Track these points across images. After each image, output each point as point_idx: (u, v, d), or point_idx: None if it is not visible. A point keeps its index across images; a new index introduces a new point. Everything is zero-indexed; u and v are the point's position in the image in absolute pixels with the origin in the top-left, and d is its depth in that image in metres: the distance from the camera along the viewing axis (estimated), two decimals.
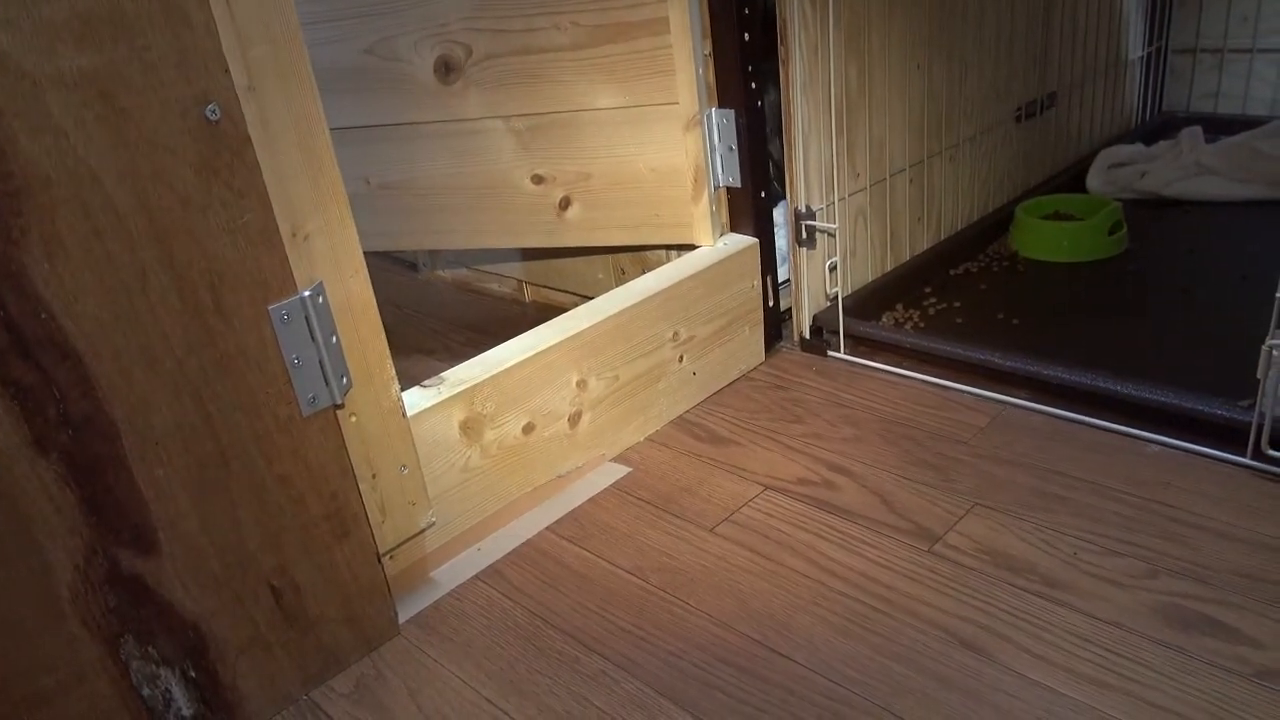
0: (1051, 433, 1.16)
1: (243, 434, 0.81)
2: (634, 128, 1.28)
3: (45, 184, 0.67)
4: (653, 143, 1.28)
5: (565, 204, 1.28)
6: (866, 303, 1.46)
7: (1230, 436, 1.05)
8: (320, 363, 0.85)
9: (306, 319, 0.83)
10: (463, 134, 1.27)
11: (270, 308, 0.81)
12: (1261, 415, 1.02)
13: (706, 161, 1.29)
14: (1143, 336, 1.35)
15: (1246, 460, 1.04)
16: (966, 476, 1.10)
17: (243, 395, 0.81)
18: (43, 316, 0.69)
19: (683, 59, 1.23)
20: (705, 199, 1.30)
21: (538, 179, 1.28)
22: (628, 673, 0.89)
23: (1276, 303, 0.98)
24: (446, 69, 1.18)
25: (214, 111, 0.74)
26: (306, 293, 0.83)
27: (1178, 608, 0.88)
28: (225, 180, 0.76)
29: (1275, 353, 1.00)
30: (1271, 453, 1.02)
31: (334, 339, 0.86)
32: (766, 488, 1.13)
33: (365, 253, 0.91)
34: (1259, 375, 1.03)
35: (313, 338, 0.84)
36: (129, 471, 0.76)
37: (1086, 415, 1.17)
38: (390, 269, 1.98)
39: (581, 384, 1.15)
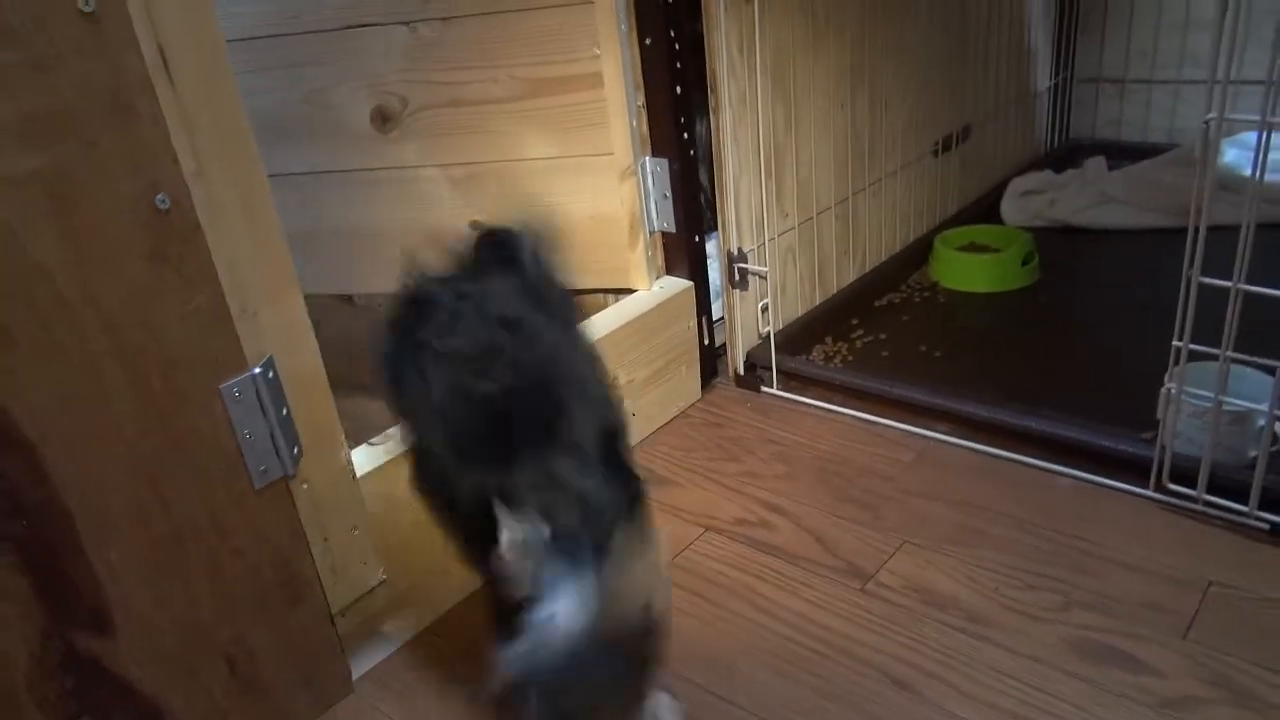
0: (972, 467, 1.23)
1: (196, 511, 0.83)
2: (570, 177, 1.31)
3: None
4: (589, 191, 1.31)
5: None
6: (796, 338, 1.52)
7: (1135, 470, 1.13)
8: (271, 435, 0.87)
9: (257, 394, 0.85)
10: (403, 181, 1.29)
11: (221, 386, 0.82)
12: (1162, 451, 1.10)
13: (642, 209, 1.33)
14: (1054, 368, 1.43)
15: (1150, 493, 1.12)
16: (895, 513, 1.16)
17: (196, 473, 0.82)
18: None
19: (616, 111, 1.26)
20: (641, 245, 1.34)
21: (476, 225, 1.30)
22: None
23: (1173, 350, 1.05)
24: (383, 119, 1.20)
25: (163, 201, 0.75)
26: (257, 369, 0.84)
27: (1089, 640, 0.95)
28: (176, 267, 0.77)
29: (1172, 393, 1.08)
30: (1172, 486, 1.10)
31: (284, 410, 0.88)
32: (706, 529, 1.18)
33: (308, 295, 0.92)
34: (1158, 415, 1.11)
35: (264, 412, 0.85)
36: (84, 555, 0.76)
37: (1004, 450, 1.24)
38: (326, 301, 1.97)
39: None
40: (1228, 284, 0.97)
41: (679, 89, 1.29)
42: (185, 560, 0.83)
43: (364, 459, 1.03)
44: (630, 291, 1.37)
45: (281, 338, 0.89)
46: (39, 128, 0.68)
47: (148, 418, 0.78)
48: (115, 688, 0.81)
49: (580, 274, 1.35)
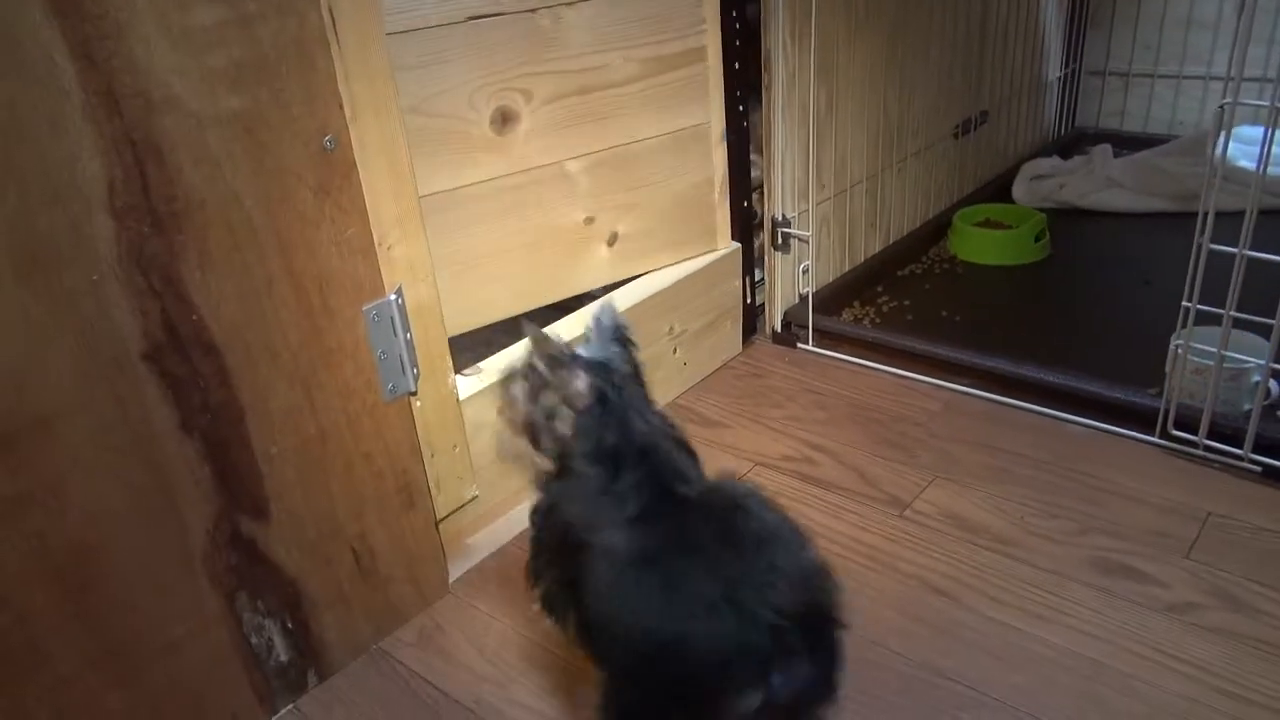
0: (995, 416, 1.37)
1: (338, 417, 0.94)
2: (674, 152, 1.38)
3: (201, 206, 0.79)
4: (691, 162, 1.40)
5: (613, 240, 1.34)
6: (827, 301, 1.64)
7: (1142, 419, 1.27)
8: (400, 356, 0.98)
9: (391, 318, 0.96)
10: (517, 187, 1.22)
11: (364, 308, 0.94)
12: (1168, 402, 1.23)
13: (726, 175, 1.44)
14: (1065, 333, 1.57)
15: (1155, 439, 1.25)
16: (926, 453, 1.29)
17: (340, 384, 0.93)
18: (194, 318, 0.81)
19: (715, 83, 1.37)
20: (726, 209, 1.45)
21: (589, 220, 1.31)
22: None
23: (1182, 310, 1.19)
24: (504, 119, 1.16)
25: (331, 142, 0.87)
26: (392, 295, 0.96)
27: (1103, 558, 1.08)
28: (335, 200, 0.88)
29: (1180, 350, 1.22)
30: (1175, 433, 1.23)
31: (409, 335, 1.00)
32: (757, 464, 1.31)
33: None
34: (1167, 368, 1.24)
35: (395, 333, 0.97)
36: (250, 450, 0.88)
37: (1022, 401, 1.37)
38: None
39: None
40: (1234, 250, 1.11)
41: (737, 65, 1.40)
42: (327, 460, 0.94)
43: (463, 386, 1.14)
44: (708, 253, 1.48)
45: (409, 272, 1.00)
46: (243, 74, 0.79)
47: (306, 331, 0.89)
48: (267, 568, 0.92)
49: (681, 245, 1.44)
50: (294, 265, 0.87)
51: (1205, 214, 1.12)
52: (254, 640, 0.93)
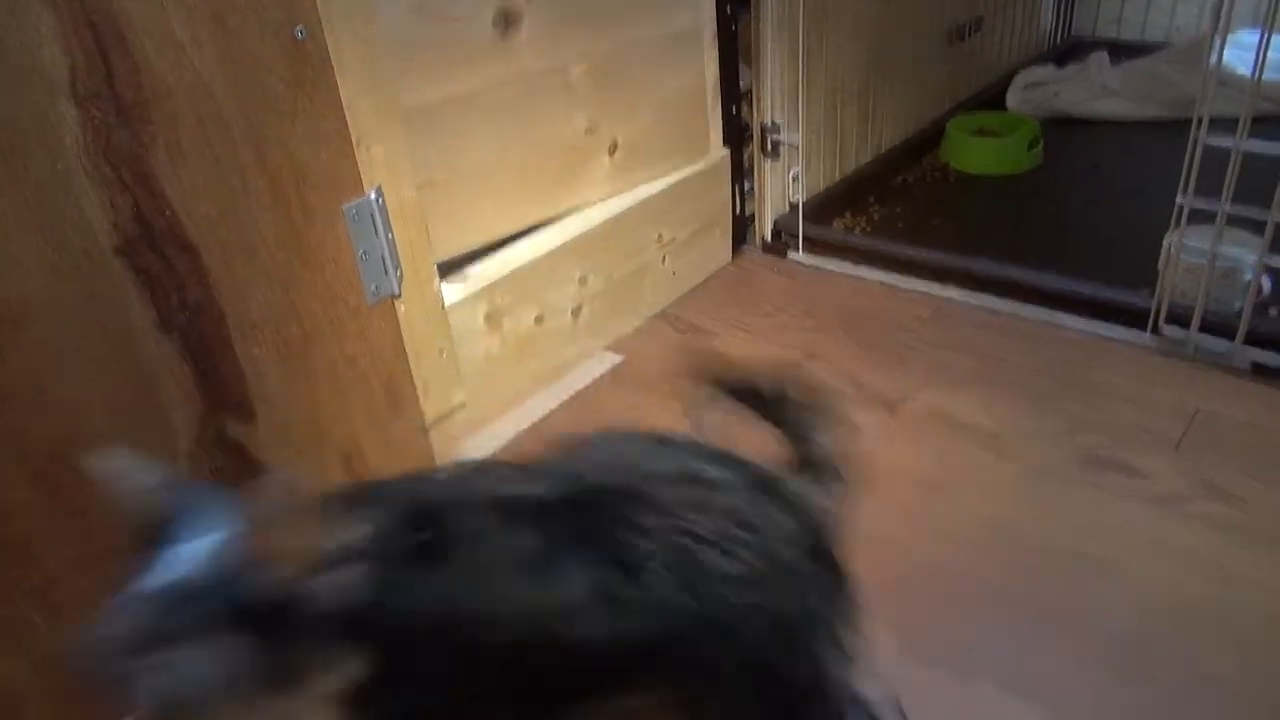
0: (985, 322, 1.36)
1: (320, 320, 0.93)
2: (672, 53, 1.34)
3: (169, 94, 0.76)
4: (686, 64, 1.36)
5: (613, 149, 1.29)
6: (818, 211, 1.62)
7: (1133, 318, 1.26)
8: (382, 257, 0.96)
9: (371, 217, 0.94)
10: (520, 95, 1.17)
11: (343, 206, 0.91)
12: (1160, 300, 1.23)
13: (719, 79, 1.40)
14: (1058, 238, 1.55)
15: (1147, 338, 1.25)
16: (916, 359, 1.29)
17: (320, 285, 0.92)
18: (167, 213, 0.79)
19: None
20: (718, 114, 1.42)
21: (590, 129, 1.26)
22: None
23: (1176, 208, 1.17)
24: (506, 21, 1.11)
25: (301, 32, 0.83)
26: (372, 194, 0.94)
27: (1092, 455, 1.09)
28: (309, 93, 0.86)
29: (1173, 248, 1.20)
30: (1166, 331, 1.23)
31: (391, 236, 0.98)
32: None
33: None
34: (1160, 267, 1.23)
35: (376, 234, 0.95)
36: (232, 351, 0.87)
37: (1014, 304, 1.36)
38: None
39: (583, 280, 1.29)
40: (1229, 143, 1.09)
41: None
42: (310, 363, 0.93)
43: (448, 292, 1.13)
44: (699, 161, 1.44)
45: (388, 173, 0.98)
46: None
47: (284, 229, 0.87)
48: (254, 472, 0.92)
49: (673, 157, 1.40)
50: (269, 160, 0.84)
51: (1201, 111, 1.10)
52: None
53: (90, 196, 0.74)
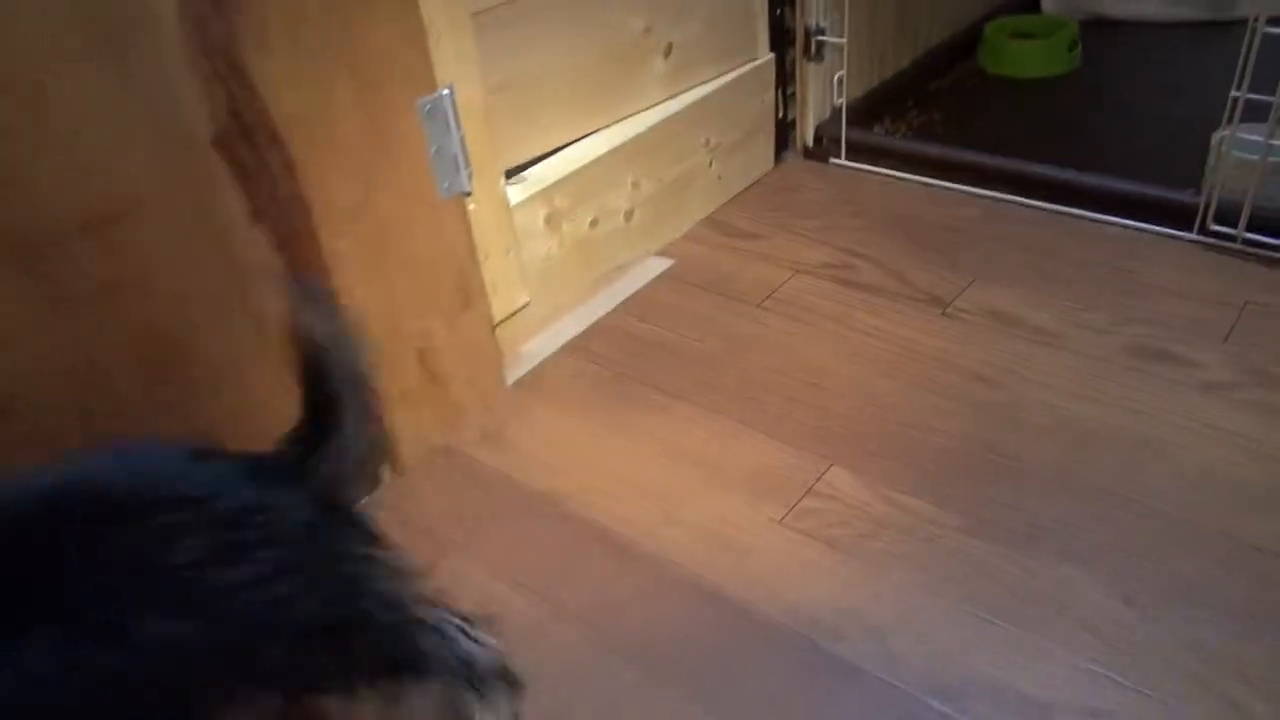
0: (1033, 220, 1.37)
1: (398, 213, 0.95)
2: None
3: None
4: None
5: (668, 51, 1.28)
6: (858, 117, 1.62)
7: (1181, 217, 1.28)
8: (454, 154, 0.98)
9: (445, 114, 0.95)
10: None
11: (419, 101, 0.93)
12: (1209, 197, 1.24)
13: None
14: (1101, 139, 1.56)
15: (1194, 236, 1.27)
16: (965, 257, 1.31)
17: (398, 179, 0.94)
18: (258, 106, 0.80)
19: None
20: (765, 13, 1.41)
21: (647, 30, 1.25)
22: (703, 407, 1.09)
23: (1229, 101, 1.18)
24: None
25: None
26: (444, 91, 0.95)
27: (1142, 345, 1.12)
28: None
29: (1224, 144, 1.21)
30: (1214, 228, 1.25)
31: (461, 134, 0.99)
32: (796, 271, 1.32)
33: None
34: (1210, 163, 1.24)
35: (449, 130, 0.97)
36: (318, 243, 0.89)
37: (1060, 205, 1.38)
38: None
39: (636, 184, 1.30)
40: None
41: None
42: (388, 257, 0.96)
43: (511, 193, 1.14)
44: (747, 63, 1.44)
45: (457, 71, 0.99)
46: None
47: (364, 124, 0.89)
48: None
49: (729, 56, 1.40)
50: (349, 54, 0.85)
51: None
52: None
53: (189, 88, 0.75)
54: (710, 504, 0.98)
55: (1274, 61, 1.11)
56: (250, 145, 0.81)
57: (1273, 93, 1.13)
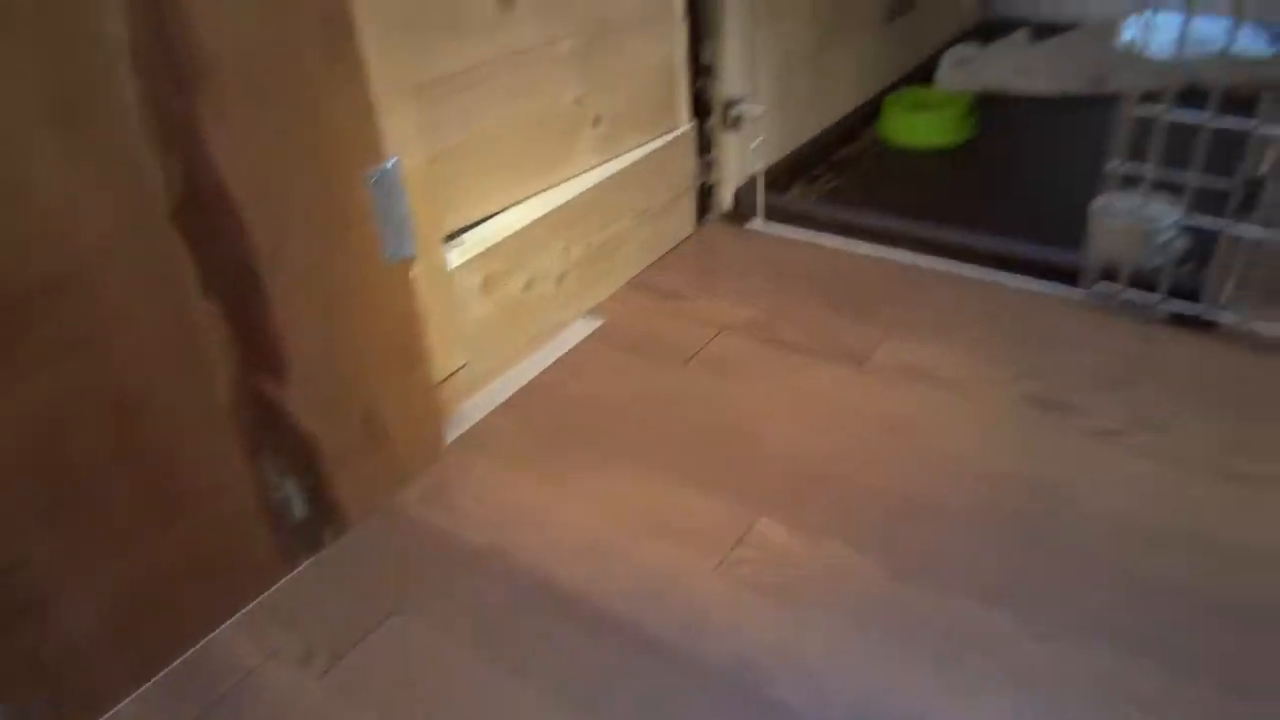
0: (939, 280, 1.48)
1: (349, 279, 0.98)
2: (646, 29, 1.41)
3: (218, 63, 0.80)
4: (659, 37, 1.43)
5: (597, 121, 1.36)
6: (772, 183, 1.71)
7: (1069, 276, 1.39)
8: (401, 221, 1.02)
9: (391, 184, 0.99)
10: (517, 68, 1.22)
11: (368, 171, 0.97)
12: (1090, 257, 1.36)
13: (686, 53, 1.48)
14: (997, 204, 1.68)
15: (1082, 294, 1.38)
16: (879, 315, 1.40)
17: (347, 247, 0.97)
18: (214, 178, 0.83)
19: None
20: (686, 86, 1.49)
21: (579, 100, 1.32)
22: (635, 462, 1.14)
23: (1105, 173, 1.30)
24: None
25: (332, 4, 0.88)
26: (392, 161, 0.99)
27: (1041, 396, 1.21)
28: (340, 62, 0.90)
29: (1101, 212, 1.34)
30: (1097, 286, 1.36)
31: (407, 202, 1.03)
32: (720, 329, 1.39)
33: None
34: (1090, 228, 1.36)
35: (395, 199, 1.00)
36: (269, 309, 0.91)
37: (962, 265, 1.48)
38: None
39: (567, 248, 1.36)
40: (1157, 109, 1.22)
41: None
42: (336, 323, 0.98)
43: (450, 259, 1.18)
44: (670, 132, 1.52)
45: (400, 143, 1.03)
46: None
47: (317, 193, 0.92)
48: (285, 426, 0.97)
49: (649, 127, 1.48)
50: (303, 127, 0.89)
51: (1125, 94, 1.23)
52: (275, 496, 0.98)
53: (148, 160, 0.78)
54: (646, 555, 1.02)
55: (1143, 137, 1.24)
56: (205, 215, 0.83)
57: (1145, 162, 1.26)
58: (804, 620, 0.94)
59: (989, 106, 2.08)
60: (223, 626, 0.98)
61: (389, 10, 0.97)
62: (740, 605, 0.96)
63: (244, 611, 0.99)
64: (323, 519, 1.04)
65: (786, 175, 1.77)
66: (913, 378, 1.26)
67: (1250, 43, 1.91)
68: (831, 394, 1.24)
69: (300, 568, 1.04)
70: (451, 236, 1.21)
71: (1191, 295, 1.31)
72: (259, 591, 1.00)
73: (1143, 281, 1.34)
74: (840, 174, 1.82)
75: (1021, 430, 1.16)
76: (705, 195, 1.67)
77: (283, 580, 1.02)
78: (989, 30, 2.42)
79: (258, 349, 0.92)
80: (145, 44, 0.75)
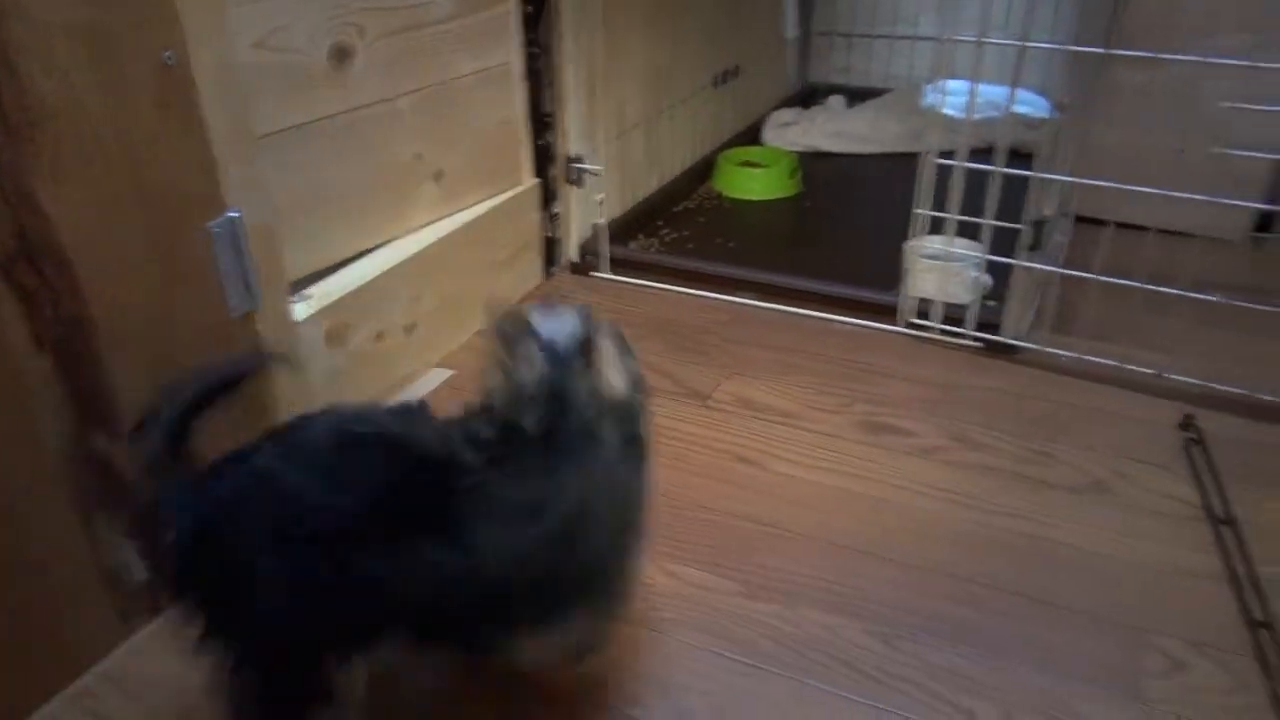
0: (773, 321, 1.57)
1: (187, 335, 0.96)
2: (487, 88, 1.45)
3: (52, 116, 0.79)
4: (498, 98, 1.48)
5: (439, 176, 1.39)
6: (615, 235, 1.79)
7: (888, 314, 1.52)
8: (243, 274, 1.01)
9: (234, 235, 0.99)
10: (356, 124, 1.25)
11: (209, 224, 0.96)
12: (904, 295, 1.48)
13: (528, 113, 1.53)
14: (822, 249, 1.81)
15: (901, 329, 1.51)
16: (720, 355, 1.47)
17: (187, 300, 0.96)
18: (46, 231, 0.81)
19: (515, 23, 1.46)
20: (528, 144, 1.54)
21: (418, 156, 1.35)
22: None
23: (913, 217, 1.43)
24: (340, 55, 1.18)
25: (170, 58, 0.88)
26: (233, 213, 0.99)
27: (869, 421, 1.31)
28: (176, 114, 0.90)
29: (913, 250, 1.47)
30: (913, 321, 1.49)
31: (250, 254, 1.02)
32: None
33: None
34: (904, 268, 1.49)
35: (238, 251, 1.00)
36: (103, 365, 0.89)
37: (794, 306, 1.59)
38: None
39: (415, 299, 1.37)
40: (953, 163, 1.36)
41: (529, 8, 1.50)
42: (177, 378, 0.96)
43: (296, 310, 1.18)
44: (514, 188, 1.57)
45: (245, 196, 1.03)
46: None
47: (154, 245, 0.91)
48: (121, 488, 0.93)
49: (492, 184, 1.51)
50: (141, 179, 0.88)
51: (928, 149, 1.37)
52: (111, 561, 0.94)
53: None
54: None
55: (945, 187, 1.38)
56: (36, 270, 0.81)
57: (945, 210, 1.39)
58: (663, 643, 0.97)
59: (812, 164, 2.24)
60: (53, 700, 0.92)
61: (226, 64, 0.98)
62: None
63: (78, 683, 0.94)
64: (163, 582, 1.00)
65: (629, 228, 1.85)
66: (753, 410, 1.34)
67: (1032, 108, 2.14)
68: (680, 430, 1.30)
69: (140, 633, 0.99)
70: (298, 287, 1.20)
71: (995, 327, 1.45)
72: (93, 661, 0.95)
73: (952, 316, 1.47)
74: (679, 226, 1.92)
75: (852, 453, 1.24)
76: (552, 248, 1.72)
77: (121, 647, 0.98)
78: (809, 95, 2.62)
79: (92, 406, 0.89)
80: None
